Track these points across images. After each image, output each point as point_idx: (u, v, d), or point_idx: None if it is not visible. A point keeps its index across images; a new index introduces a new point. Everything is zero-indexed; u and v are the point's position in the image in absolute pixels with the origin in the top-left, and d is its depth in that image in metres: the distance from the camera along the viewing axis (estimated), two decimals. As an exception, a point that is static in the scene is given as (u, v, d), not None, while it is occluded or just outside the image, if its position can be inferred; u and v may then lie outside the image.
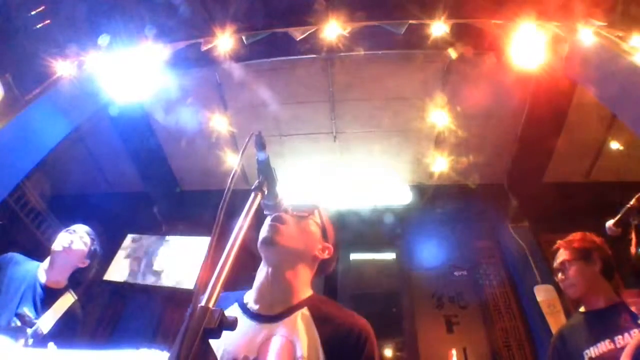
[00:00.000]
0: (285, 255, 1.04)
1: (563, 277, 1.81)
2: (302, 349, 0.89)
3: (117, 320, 4.66)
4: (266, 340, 0.91)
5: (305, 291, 1.04)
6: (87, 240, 2.14)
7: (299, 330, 0.93)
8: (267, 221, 1.06)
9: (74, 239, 2.09)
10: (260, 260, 1.10)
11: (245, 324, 0.96)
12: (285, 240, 1.03)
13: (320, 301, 1.03)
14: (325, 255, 1.11)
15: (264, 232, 1.05)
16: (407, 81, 4.05)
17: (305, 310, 0.98)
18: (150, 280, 4.64)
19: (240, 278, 1.06)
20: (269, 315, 0.98)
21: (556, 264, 1.87)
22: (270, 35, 3.30)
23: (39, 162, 3.20)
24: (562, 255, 1.84)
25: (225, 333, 0.64)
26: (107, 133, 4.64)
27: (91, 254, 2.16)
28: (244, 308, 1.02)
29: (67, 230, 2.15)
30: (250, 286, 1.08)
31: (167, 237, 5.01)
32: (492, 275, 4.52)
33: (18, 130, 2.94)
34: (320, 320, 0.96)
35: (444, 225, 4.80)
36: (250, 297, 1.04)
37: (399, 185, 5.04)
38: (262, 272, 1.06)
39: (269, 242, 1.03)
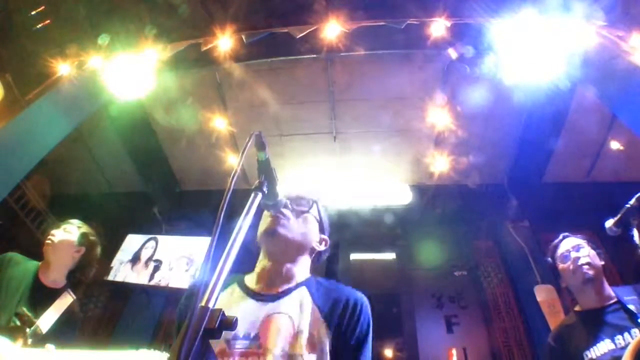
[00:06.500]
0: (287, 247, 1.07)
1: (578, 255, 1.74)
2: (302, 324, 0.93)
3: (117, 320, 4.66)
4: (267, 318, 0.94)
5: (304, 274, 1.09)
6: (71, 228, 2.07)
7: (299, 307, 0.97)
8: (267, 215, 1.09)
9: (57, 233, 2.04)
10: (257, 257, 1.12)
11: (246, 302, 0.99)
12: (287, 232, 1.06)
13: (317, 280, 1.08)
14: (322, 247, 1.16)
15: (265, 224, 1.08)
16: (407, 81, 4.05)
17: (303, 289, 1.02)
18: (150, 280, 4.63)
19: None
20: (269, 294, 1.01)
21: (566, 248, 1.80)
22: (270, 35, 3.30)
23: (39, 162, 3.20)
24: (574, 241, 1.81)
25: (227, 311, 0.65)
26: (107, 133, 4.64)
27: (81, 239, 2.08)
28: (245, 288, 1.04)
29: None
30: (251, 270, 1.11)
31: (167, 237, 5.01)
32: (492, 275, 4.52)
33: (18, 130, 2.95)
34: (318, 296, 1.01)
35: (444, 225, 4.80)
36: (250, 280, 1.07)
37: (399, 185, 5.05)
38: (262, 262, 1.09)
39: (271, 233, 1.05)
